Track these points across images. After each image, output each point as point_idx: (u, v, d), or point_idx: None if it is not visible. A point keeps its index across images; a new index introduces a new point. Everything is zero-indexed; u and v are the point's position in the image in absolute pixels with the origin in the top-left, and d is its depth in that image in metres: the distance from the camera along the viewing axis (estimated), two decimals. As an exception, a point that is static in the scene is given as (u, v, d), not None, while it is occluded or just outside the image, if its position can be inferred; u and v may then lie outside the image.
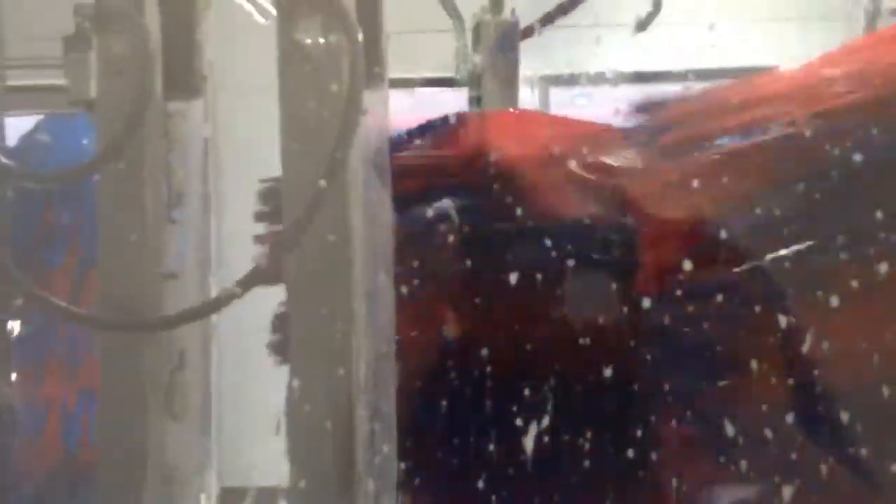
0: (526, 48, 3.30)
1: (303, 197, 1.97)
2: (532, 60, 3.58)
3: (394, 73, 2.29)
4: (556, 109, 4.62)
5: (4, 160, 2.17)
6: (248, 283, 2.01)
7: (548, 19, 3.31)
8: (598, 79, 4.51)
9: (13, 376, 2.74)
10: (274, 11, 2.94)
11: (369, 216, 2.09)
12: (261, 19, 3.32)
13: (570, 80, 4.56)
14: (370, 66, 2.06)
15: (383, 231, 2.14)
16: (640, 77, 4.74)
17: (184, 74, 2.24)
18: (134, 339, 2.12)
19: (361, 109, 1.98)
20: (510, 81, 3.28)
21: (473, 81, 3.37)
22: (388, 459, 2.05)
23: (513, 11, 3.53)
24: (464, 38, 3.49)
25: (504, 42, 3.32)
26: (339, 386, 1.99)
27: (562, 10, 3.29)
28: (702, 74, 4.72)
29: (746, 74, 4.43)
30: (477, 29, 3.35)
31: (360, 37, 1.98)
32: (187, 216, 2.22)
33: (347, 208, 2.04)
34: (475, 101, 3.39)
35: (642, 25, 3.33)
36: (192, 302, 2.19)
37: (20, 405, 2.86)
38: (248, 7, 3.27)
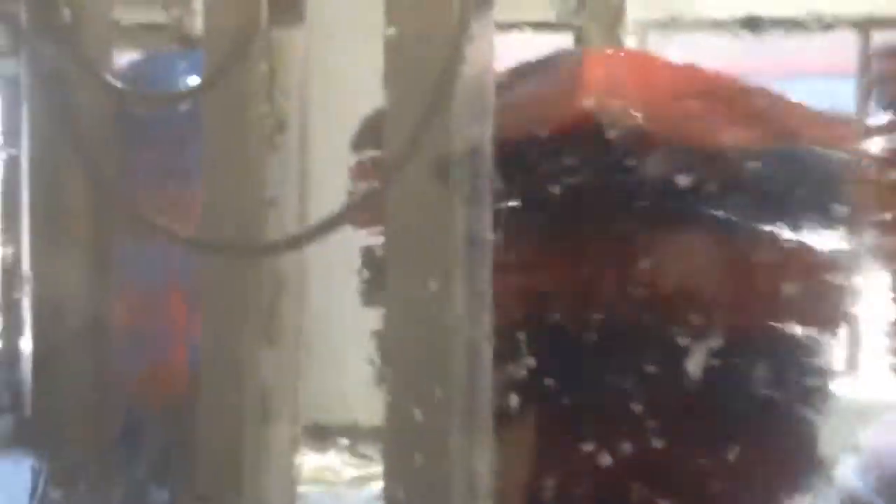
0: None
1: (405, 127, 1.94)
2: (630, 5, 3.46)
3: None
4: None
5: (115, 82, 2.19)
6: (348, 213, 2.01)
7: None
8: (698, 25, 4.34)
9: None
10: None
11: (470, 152, 2.05)
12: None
13: (669, 26, 4.39)
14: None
15: (484, 169, 2.08)
16: (740, 24, 4.53)
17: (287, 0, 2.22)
18: (235, 264, 2.14)
19: (469, 37, 1.93)
20: (613, 25, 3.15)
21: (574, 25, 3.24)
22: (483, 393, 2.04)
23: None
24: None
25: None
26: (435, 324, 1.98)
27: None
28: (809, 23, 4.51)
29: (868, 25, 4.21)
30: None
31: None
32: (288, 143, 2.21)
33: (449, 143, 2.00)
34: (580, 44, 3.26)
35: None
36: (292, 229, 2.20)
37: (145, 329, 2.94)
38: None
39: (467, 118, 2.03)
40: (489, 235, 2.06)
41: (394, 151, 1.95)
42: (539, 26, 3.81)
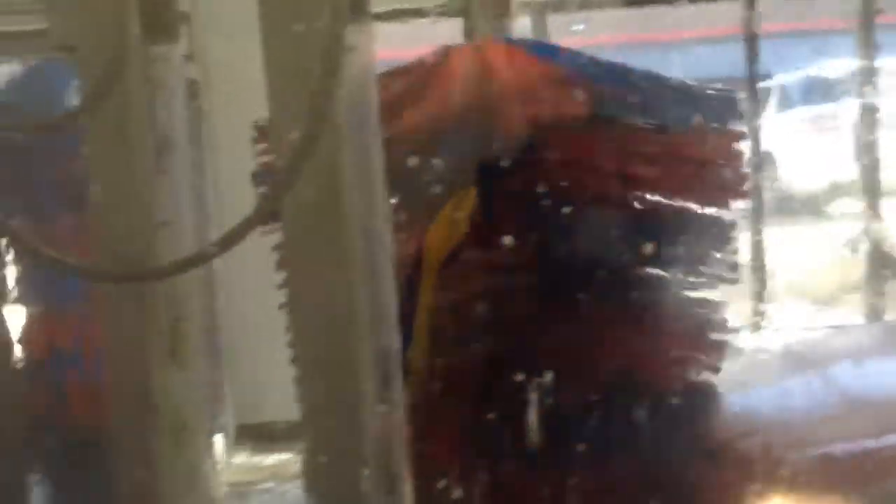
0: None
1: (291, 139, 1.95)
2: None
3: (382, 5, 2.23)
4: (555, 37, 4.56)
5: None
6: (243, 228, 2.01)
7: None
8: (592, 4, 4.43)
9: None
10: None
11: (360, 157, 2.08)
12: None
13: (564, 6, 4.48)
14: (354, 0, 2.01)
15: (375, 172, 2.12)
16: (634, 1, 4.65)
17: (162, 16, 2.19)
18: (133, 289, 2.12)
19: (345, 47, 1.94)
20: (502, 12, 3.22)
21: (465, 12, 3.30)
22: (394, 395, 2.08)
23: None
24: None
25: None
26: (339, 323, 2.01)
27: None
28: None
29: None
30: None
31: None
32: (176, 163, 2.19)
33: (337, 150, 2.02)
34: (468, 32, 3.33)
35: None
36: (187, 249, 2.18)
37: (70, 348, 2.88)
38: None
39: (353, 125, 2.05)
40: (386, 228, 2.10)
41: (282, 164, 1.96)
42: (423, 13, 3.83)
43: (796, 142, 8.03)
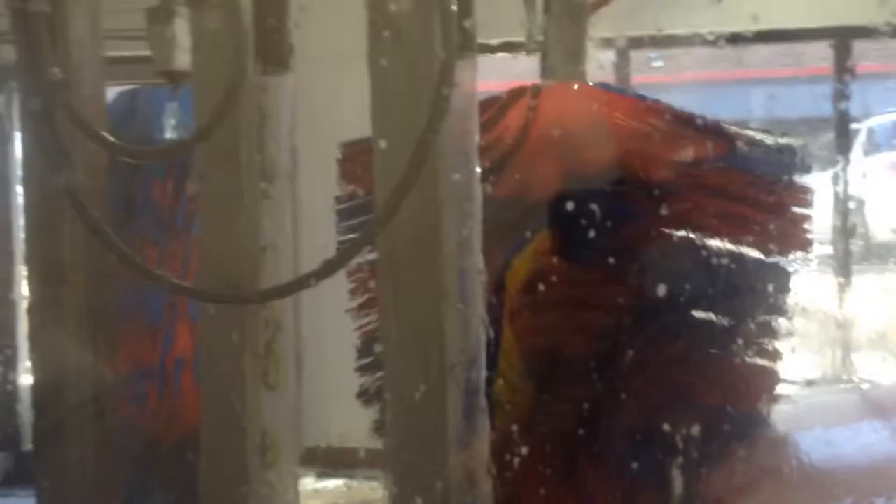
0: (609, 10, 3.27)
1: (395, 172, 1.98)
2: (615, 22, 3.53)
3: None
4: (635, 72, 4.54)
5: (109, 137, 2.22)
6: (345, 256, 2.04)
7: None
8: (675, 41, 4.42)
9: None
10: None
11: (458, 192, 2.10)
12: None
13: (651, 43, 4.47)
14: (462, 38, 2.04)
15: (473, 206, 2.13)
16: (717, 40, 4.62)
17: (275, 48, 2.26)
18: (233, 310, 2.17)
19: (453, 83, 1.97)
20: (576, 53, 3.29)
21: (543, 52, 3.37)
22: (480, 428, 2.08)
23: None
24: (534, 11, 3.49)
25: (571, 15, 3.33)
26: (429, 358, 2.02)
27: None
28: (776, 35, 4.62)
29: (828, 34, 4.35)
30: (550, 2, 3.37)
31: (454, 8, 1.96)
32: (280, 190, 2.25)
33: (437, 183, 2.04)
34: (546, 70, 3.39)
35: None
36: (286, 274, 2.23)
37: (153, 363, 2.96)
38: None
39: (454, 161, 2.08)
40: (480, 265, 2.11)
41: (383, 202, 1.99)
42: (513, 48, 3.89)
43: (885, 187, 7.80)
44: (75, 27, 2.26)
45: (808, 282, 2.64)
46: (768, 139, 2.56)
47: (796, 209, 2.53)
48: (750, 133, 2.55)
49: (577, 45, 3.27)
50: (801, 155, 2.57)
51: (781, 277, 2.51)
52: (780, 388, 2.51)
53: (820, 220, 2.74)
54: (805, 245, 2.55)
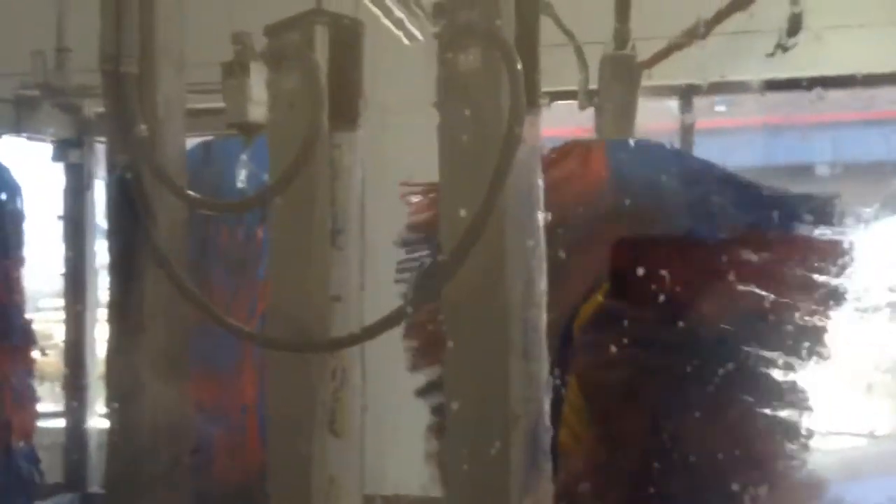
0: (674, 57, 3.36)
1: (460, 225, 2.02)
2: (677, 69, 3.58)
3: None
4: (698, 117, 4.58)
5: (191, 193, 2.31)
6: (409, 306, 2.08)
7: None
8: (739, 87, 4.43)
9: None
10: (419, 35, 3.00)
11: (522, 244, 2.12)
12: (405, 41, 3.43)
13: (712, 89, 4.50)
14: (528, 95, 2.08)
15: (537, 259, 2.16)
16: (779, 85, 4.62)
17: (348, 107, 2.34)
18: (301, 358, 2.22)
19: (520, 139, 2.02)
20: (626, 112, 3.39)
21: (596, 109, 3.51)
22: (544, 478, 2.08)
23: (633, 46, 3.57)
24: (586, 71, 3.60)
25: (621, 75, 3.45)
26: (495, 409, 2.04)
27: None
28: (840, 81, 4.61)
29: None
30: (602, 63, 3.50)
31: (520, 66, 2.01)
32: (349, 242, 2.31)
33: (503, 237, 2.07)
34: (598, 128, 3.53)
35: (783, 47, 3.30)
36: (354, 323, 2.28)
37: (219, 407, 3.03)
38: (394, 30, 3.37)
39: (518, 212, 2.11)
40: (543, 320, 2.13)
41: (448, 253, 2.03)
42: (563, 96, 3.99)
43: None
44: (163, 86, 2.36)
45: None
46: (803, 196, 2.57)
47: (828, 263, 2.53)
48: (784, 192, 2.57)
49: (628, 107, 3.39)
50: (838, 208, 2.57)
51: (813, 334, 2.49)
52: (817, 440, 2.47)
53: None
54: (838, 298, 2.52)
